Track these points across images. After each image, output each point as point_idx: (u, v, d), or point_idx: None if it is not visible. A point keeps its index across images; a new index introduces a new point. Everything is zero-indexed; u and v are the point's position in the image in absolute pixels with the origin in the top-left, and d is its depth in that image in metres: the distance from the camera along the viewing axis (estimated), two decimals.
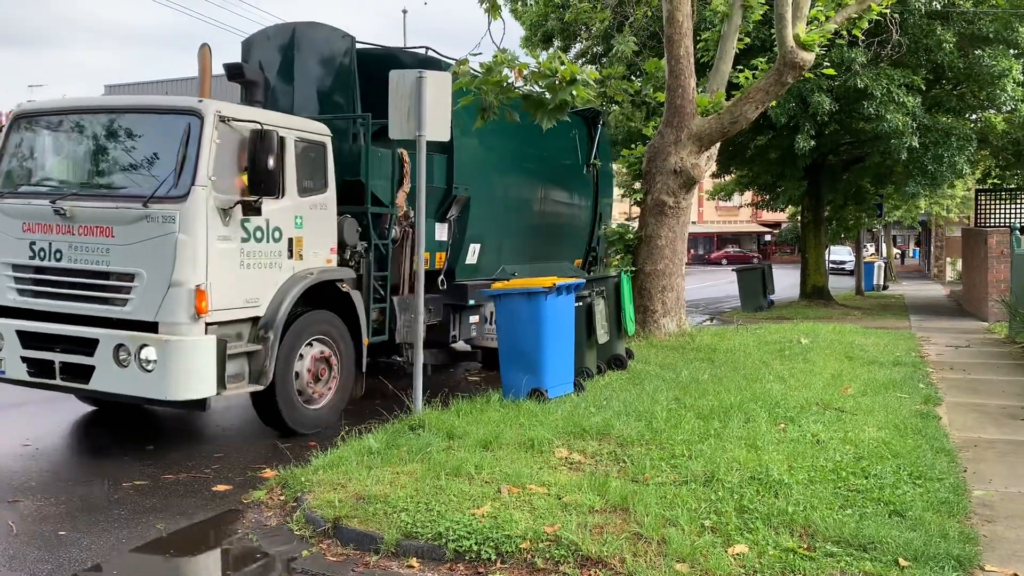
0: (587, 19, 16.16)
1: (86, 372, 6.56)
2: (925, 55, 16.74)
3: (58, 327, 6.69)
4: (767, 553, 4.35)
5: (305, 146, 7.42)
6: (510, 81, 9.04)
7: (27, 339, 6.83)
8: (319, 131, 7.67)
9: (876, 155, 18.78)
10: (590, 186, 12.68)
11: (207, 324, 6.43)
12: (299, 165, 7.32)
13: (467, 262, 9.91)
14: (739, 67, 13.19)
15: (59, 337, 6.69)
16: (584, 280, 9.11)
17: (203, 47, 7.84)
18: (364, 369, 8.10)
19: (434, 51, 9.39)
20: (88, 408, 8.32)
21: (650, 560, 4.29)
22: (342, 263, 7.97)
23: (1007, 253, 17.00)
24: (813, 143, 16.96)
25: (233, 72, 8.14)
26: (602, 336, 9.19)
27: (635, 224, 13.40)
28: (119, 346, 6.41)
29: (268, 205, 6.86)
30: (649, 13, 16.14)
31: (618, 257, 13.09)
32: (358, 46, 8.88)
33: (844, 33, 12.95)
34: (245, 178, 6.69)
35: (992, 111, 19.78)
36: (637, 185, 13.54)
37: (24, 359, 6.86)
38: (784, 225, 50.58)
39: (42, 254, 6.77)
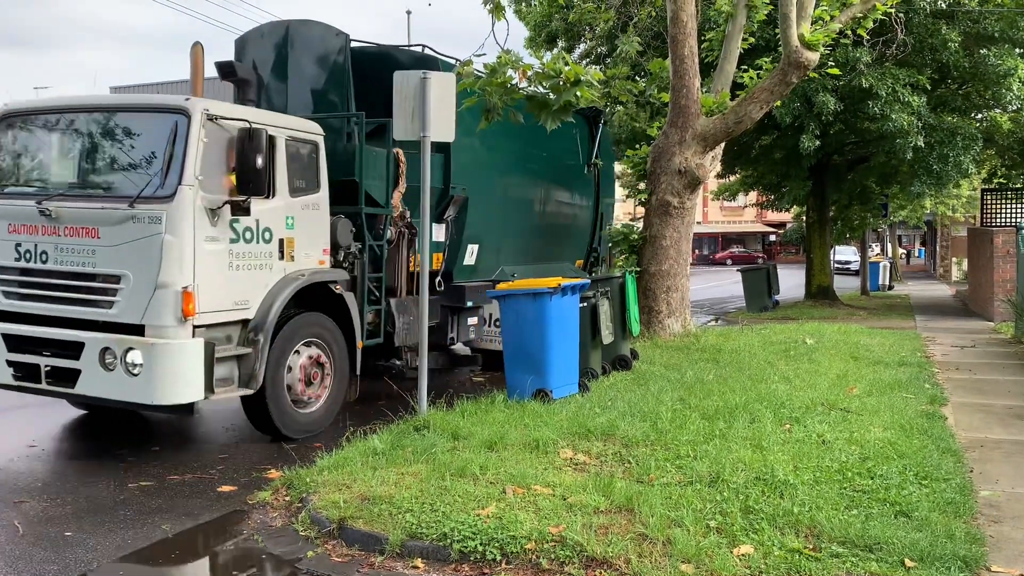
0: (591, 19, 16.15)
1: (72, 376, 6.45)
2: (930, 54, 16.70)
3: (44, 330, 6.58)
4: (773, 554, 4.34)
5: (296, 145, 7.30)
6: (514, 82, 9.03)
7: (13, 343, 6.73)
8: (311, 130, 7.55)
9: (881, 155, 18.73)
10: (591, 186, 12.59)
11: (194, 327, 6.31)
12: (290, 164, 7.20)
13: (465, 263, 9.81)
14: (743, 67, 13.18)
15: (45, 340, 6.58)
16: (589, 280, 9.10)
17: (195, 45, 7.75)
18: (358, 372, 7.98)
19: (431, 49, 9.31)
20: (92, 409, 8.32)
21: (655, 561, 4.28)
22: (336, 264, 7.86)
23: (1013, 253, 16.94)
24: (818, 143, 16.93)
25: (225, 71, 8.04)
26: (607, 337, 9.19)
27: (639, 224, 13.38)
28: (105, 349, 6.29)
29: (258, 205, 6.75)
30: (653, 13, 16.12)
31: (623, 257, 13.08)
32: (353, 44, 8.80)
33: (849, 32, 12.92)
34: (233, 178, 6.57)
35: (998, 110, 19.71)
36: (642, 186, 13.53)
37: (10, 363, 6.76)
38: (789, 225, 50.58)
39: (28, 256, 6.66)
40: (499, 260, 10.40)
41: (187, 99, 6.52)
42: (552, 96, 8.97)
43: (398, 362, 9.00)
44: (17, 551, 4.81)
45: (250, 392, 6.73)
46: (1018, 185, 22.13)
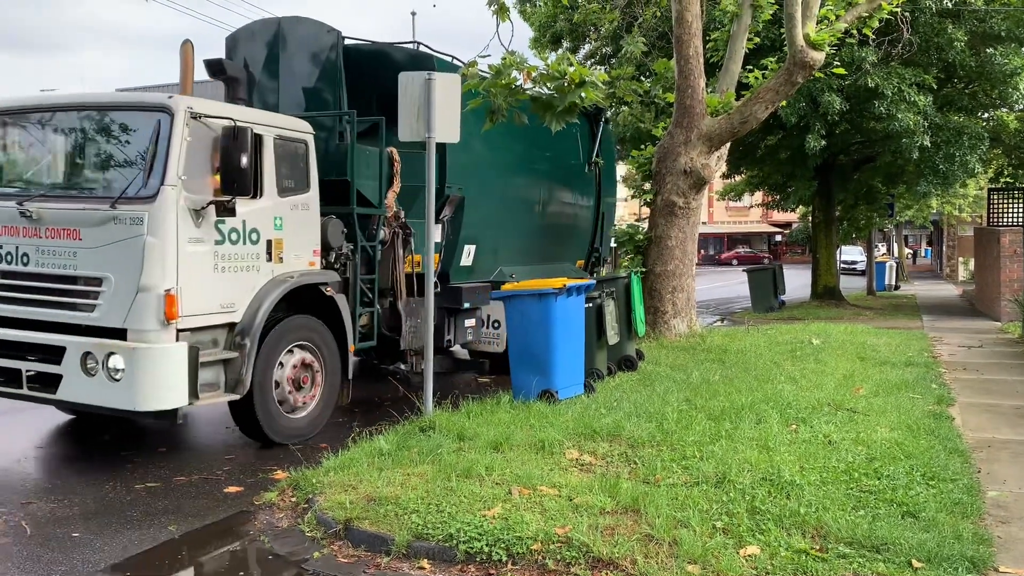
0: (596, 20, 16.16)
1: (54, 381, 6.29)
2: (936, 54, 16.66)
3: (25, 334, 6.43)
4: (779, 554, 4.33)
5: (285, 144, 7.12)
6: (519, 83, 9.01)
7: None
8: (300, 128, 7.39)
9: (887, 154, 18.69)
10: (592, 185, 12.42)
11: (178, 330, 6.13)
12: (278, 164, 7.03)
13: (462, 264, 9.63)
14: (749, 67, 13.16)
15: (26, 345, 6.42)
16: (594, 281, 9.08)
17: (185, 43, 7.62)
18: (350, 376, 7.79)
19: (426, 46, 9.21)
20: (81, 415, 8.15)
21: (661, 561, 4.28)
22: (327, 266, 7.69)
23: (1020, 252, 16.90)
24: (824, 143, 16.90)
25: (214, 69, 7.86)
26: (612, 337, 9.18)
27: (645, 225, 13.36)
28: (86, 354, 6.13)
29: (244, 206, 6.59)
30: (658, 13, 16.12)
31: (628, 258, 13.07)
32: (347, 42, 8.71)
33: (854, 32, 12.91)
34: (218, 177, 6.40)
35: (1004, 109, 19.67)
36: (647, 186, 13.52)
37: None
38: (795, 225, 50.51)
39: (9, 258, 6.53)
40: (497, 261, 10.23)
41: (170, 97, 6.36)
42: (557, 97, 8.94)
43: (403, 366, 8.85)
44: (25, 552, 4.82)
45: (237, 397, 6.57)
46: None
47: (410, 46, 9.35)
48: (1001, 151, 21.64)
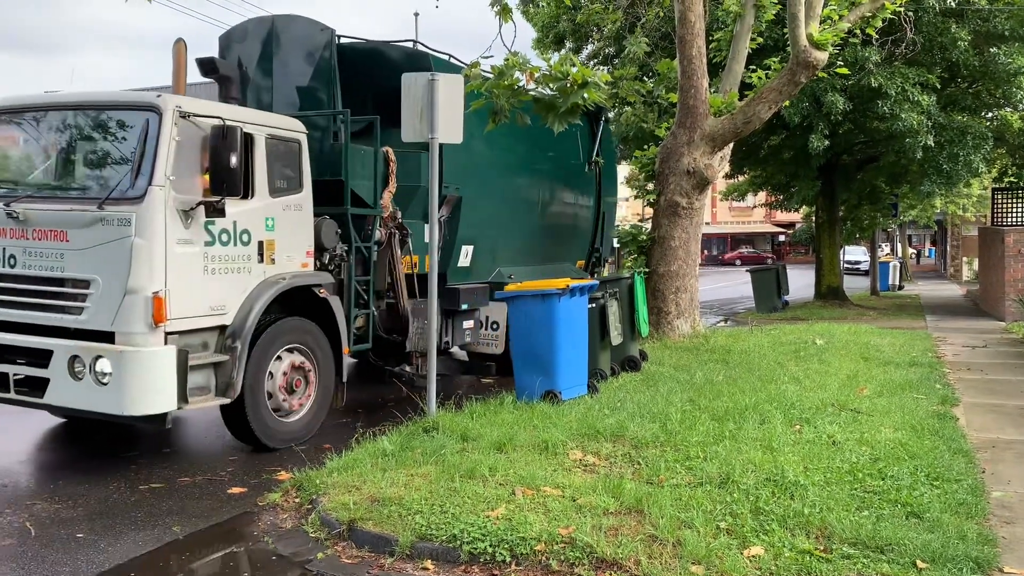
0: (599, 20, 16.13)
1: (42, 385, 6.21)
2: (940, 53, 16.64)
3: (12, 337, 6.34)
4: (783, 555, 4.33)
5: (277, 144, 7.02)
6: (521, 84, 9.00)
7: None
8: (293, 128, 7.28)
9: (891, 154, 18.66)
10: (592, 185, 12.38)
11: (167, 333, 6.04)
12: (270, 164, 6.93)
13: (459, 265, 9.55)
14: (752, 67, 13.15)
15: (13, 348, 6.33)
16: (598, 282, 9.07)
17: (178, 42, 7.57)
18: (345, 379, 7.71)
19: (423, 44, 9.16)
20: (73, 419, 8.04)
21: (665, 562, 4.27)
22: (321, 267, 7.59)
23: None
24: (827, 143, 16.88)
25: (207, 68, 7.75)
26: (616, 338, 9.17)
27: (648, 225, 13.35)
28: (74, 357, 6.04)
29: (235, 206, 6.50)
30: (661, 14, 16.11)
31: (631, 258, 13.05)
32: (343, 40, 8.66)
33: (858, 32, 12.89)
34: (207, 178, 6.30)
35: (1008, 109, 19.62)
36: (650, 186, 13.51)
37: None
38: (798, 225, 50.40)
39: None
40: (496, 262, 10.16)
41: (158, 96, 6.28)
42: (559, 98, 8.93)
43: (408, 368, 8.81)
44: (29, 553, 4.83)
45: (227, 401, 6.48)
46: None
47: (407, 44, 9.27)
48: (1005, 150, 21.60)
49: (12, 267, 6.38)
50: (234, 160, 6.20)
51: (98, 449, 7.28)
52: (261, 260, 6.85)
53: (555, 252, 11.64)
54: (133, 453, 7.01)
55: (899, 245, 44.32)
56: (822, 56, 11.46)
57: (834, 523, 4.65)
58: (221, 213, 6.32)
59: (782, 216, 50.78)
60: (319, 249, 7.54)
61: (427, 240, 8.79)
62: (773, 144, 20.16)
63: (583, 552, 4.37)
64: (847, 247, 34.34)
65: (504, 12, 10.07)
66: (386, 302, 8.64)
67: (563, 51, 19.49)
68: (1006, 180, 23.61)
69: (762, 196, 31.34)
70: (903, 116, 15.74)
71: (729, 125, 12.11)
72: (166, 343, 6.05)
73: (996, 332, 15.53)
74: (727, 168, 20.42)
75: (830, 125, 16.73)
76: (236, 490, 6.00)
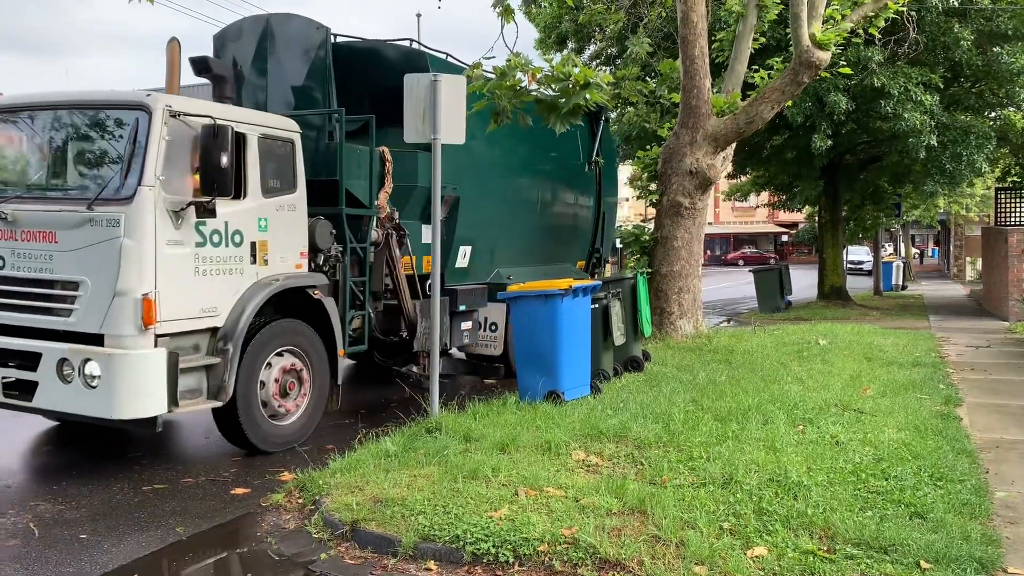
0: (601, 21, 16.14)
1: (31, 388, 6.13)
2: (943, 53, 16.61)
3: (1, 340, 6.27)
4: (786, 555, 4.32)
5: (269, 143, 6.93)
6: (523, 85, 9.00)
7: None
8: (286, 127, 7.20)
9: (894, 154, 18.65)
10: (592, 185, 12.34)
11: (157, 336, 5.95)
12: (263, 163, 6.84)
13: (457, 266, 9.50)
14: (754, 67, 13.14)
15: (2, 351, 6.28)
16: (600, 282, 9.07)
17: (172, 41, 7.51)
18: (340, 381, 7.60)
19: (419, 43, 9.11)
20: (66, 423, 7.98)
21: (668, 562, 4.27)
22: (315, 268, 7.51)
23: None
24: (830, 143, 16.86)
25: (200, 67, 7.64)
26: (618, 338, 9.17)
27: (651, 225, 13.34)
28: (62, 360, 5.96)
29: (227, 207, 6.41)
30: (663, 14, 16.11)
31: (634, 258, 13.05)
32: (338, 39, 8.61)
33: (860, 32, 12.86)
34: (198, 177, 6.23)
35: (1011, 108, 19.59)
36: (653, 186, 13.50)
37: None
38: (801, 225, 50.38)
39: None
40: (494, 262, 10.11)
41: (148, 94, 6.20)
42: (561, 99, 8.92)
43: (415, 368, 8.77)
44: (33, 554, 4.84)
45: (219, 404, 6.40)
46: None
47: (403, 43, 9.20)
48: (1008, 150, 21.57)
49: (1, 269, 6.33)
50: (225, 160, 6.12)
51: (101, 450, 7.29)
52: (254, 261, 6.78)
53: (555, 253, 11.61)
54: (136, 454, 7.01)
55: (902, 245, 44.28)
56: (825, 56, 11.45)
57: (837, 523, 4.65)
58: (212, 213, 6.24)
59: (785, 216, 50.74)
60: (313, 250, 7.47)
61: (424, 241, 8.82)
62: (776, 144, 20.15)
63: (586, 553, 4.37)
64: (850, 247, 34.32)
65: (506, 13, 10.08)
66: (384, 303, 8.56)
67: (565, 51, 19.49)
68: (1009, 180, 23.58)
69: (765, 196, 31.28)
70: (906, 116, 15.72)
71: (732, 125, 12.10)
72: (156, 345, 5.97)
73: (1000, 332, 15.50)
74: (730, 168, 20.33)
75: (833, 125, 16.71)
76: (239, 491, 6.00)
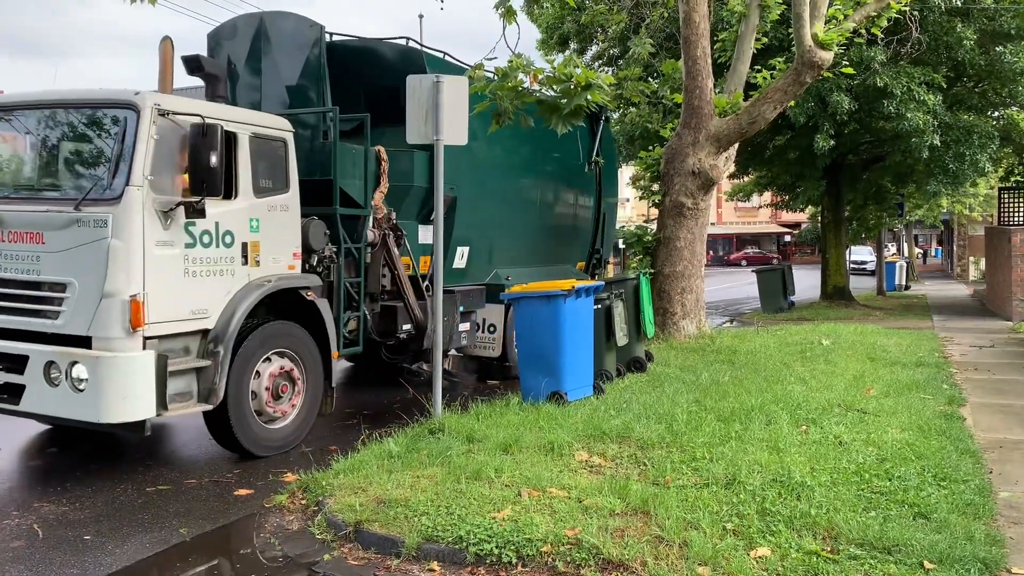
0: (603, 21, 16.13)
1: (18, 392, 6.04)
2: (945, 52, 16.59)
3: None
4: (790, 556, 4.32)
5: (261, 143, 6.83)
6: (525, 86, 8.99)
7: None
8: (278, 126, 7.09)
9: (897, 154, 18.63)
10: (592, 185, 12.29)
11: (145, 338, 5.85)
12: (255, 163, 6.74)
13: (454, 266, 9.42)
14: (757, 67, 13.14)
15: None
16: (603, 283, 9.06)
17: (164, 40, 7.48)
18: (333, 384, 7.49)
19: (415, 41, 9.06)
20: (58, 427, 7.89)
21: (672, 563, 4.27)
22: (309, 269, 7.41)
23: None
24: (832, 143, 16.86)
25: (192, 66, 7.54)
26: (621, 339, 9.17)
27: (653, 226, 13.33)
28: (49, 363, 5.86)
29: (218, 207, 6.31)
30: (666, 14, 16.11)
31: (637, 259, 13.04)
32: (333, 38, 8.58)
33: (863, 32, 12.86)
34: (187, 177, 6.11)
35: (1014, 108, 19.57)
36: (655, 187, 13.50)
37: None
38: (804, 225, 50.38)
39: None
40: (492, 263, 10.06)
41: (136, 93, 6.09)
42: (563, 100, 8.92)
43: (426, 366, 8.73)
44: (37, 555, 4.85)
45: (209, 407, 6.29)
46: None
47: (399, 42, 9.14)
48: (1011, 150, 21.55)
49: None
50: (214, 159, 6.01)
51: (104, 451, 7.30)
52: (245, 262, 6.66)
53: (555, 253, 11.56)
54: (139, 454, 7.02)
55: (905, 245, 44.23)
56: (827, 56, 11.44)
57: (841, 524, 4.64)
58: (201, 214, 6.14)
59: (788, 216, 50.72)
60: (307, 251, 7.37)
61: (421, 241, 8.79)
62: (778, 144, 20.14)
63: (589, 553, 4.37)
64: (853, 247, 34.31)
65: (508, 14, 10.08)
66: (381, 304, 8.50)
67: (567, 52, 19.50)
68: (1012, 179, 23.55)
69: (767, 196, 31.25)
70: (909, 116, 15.70)
71: (734, 125, 12.09)
72: (144, 348, 5.87)
73: (1003, 332, 15.47)
74: (732, 168, 20.32)
75: (835, 125, 16.70)
76: (242, 492, 6.01)
